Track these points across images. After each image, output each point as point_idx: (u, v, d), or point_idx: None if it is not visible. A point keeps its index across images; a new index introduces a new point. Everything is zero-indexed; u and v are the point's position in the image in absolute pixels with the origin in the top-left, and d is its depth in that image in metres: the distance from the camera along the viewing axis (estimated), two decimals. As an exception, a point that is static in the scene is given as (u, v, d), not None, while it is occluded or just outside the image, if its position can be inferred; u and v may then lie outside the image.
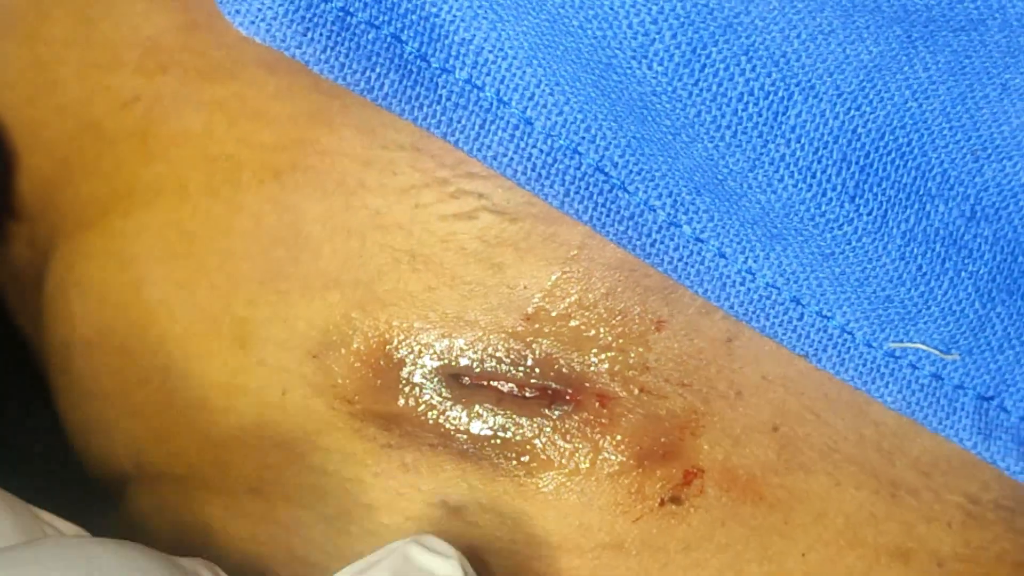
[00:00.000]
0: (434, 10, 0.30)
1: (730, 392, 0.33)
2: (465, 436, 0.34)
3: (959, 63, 0.28)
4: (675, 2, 0.28)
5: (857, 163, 0.29)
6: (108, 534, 0.37)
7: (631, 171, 0.30)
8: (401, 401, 0.34)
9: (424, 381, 0.34)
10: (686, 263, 0.30)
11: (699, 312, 0.33)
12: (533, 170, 0.31)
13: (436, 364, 0.34)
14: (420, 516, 0.34)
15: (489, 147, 0.31)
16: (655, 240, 0.30)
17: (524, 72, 0.30)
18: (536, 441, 0.33)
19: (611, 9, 0.29)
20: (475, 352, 0.34)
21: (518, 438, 0.33)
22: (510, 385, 0.33)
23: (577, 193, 0.30)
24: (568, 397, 0.33)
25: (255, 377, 0.35)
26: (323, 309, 0.34)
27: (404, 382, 0.34)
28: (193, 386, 0.36)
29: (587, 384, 0.33)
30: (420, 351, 0.34)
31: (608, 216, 0.30)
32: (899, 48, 0.28)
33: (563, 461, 0.33)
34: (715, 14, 0.28)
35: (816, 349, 0.30)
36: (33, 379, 0.33)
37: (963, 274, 0.30)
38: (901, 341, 0.30)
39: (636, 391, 0.33)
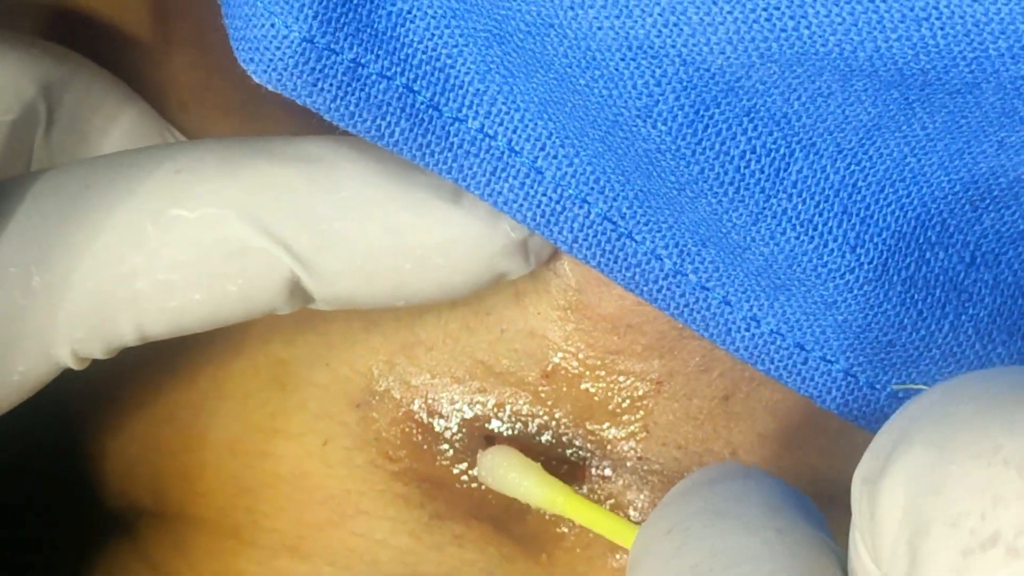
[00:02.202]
0: (449, 62, 0.32)
1: (725, 452, 0.35)
2: (497, 506, 0.36)
3: (956, 122, 0.30)
4: (677, 66, 0.30)
5: (858, 215, 0.31)
6: (120, 565, 0.39)
7: (638, 221, 0.32)
8: (441, 462, 0.36)
9: (462, 440, 0.36)
10: (692, 309, 0.32)
11: (698, 370, 0.35)
12: (543, 216, 0.33)
13: (472, 423, 0.36)
14: None
15: (500, 193, 0.33)
16: (662, 287, 0.32)
17: (536, 124, 0.32)
18: (550, 520, 0.35)
19: (616, 71, 0.30)
20: (507, 413, 0.36)
21: (542, 514, 0.35)
22: (540, 458, 0.35)
23: (585, 240, 0.32)
24: (578, 472, 0.35)
25: (296, 422, 0.37)
26: (365, 353, 0.36)
27: (443, 440, 0.36)
28: (225, 425, 0.38)
29: (595, 455, 0.35)
30: (458, 407, 0.36)
31: (616, 263, 0.32)
32: (897, 109, 0.30)
33: (572, 538, 0.35)
34: (716, 78, 0.30)
35: (820, 392, 0.32)
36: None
37: (963, 317, 0.32)
38: (904, 383, 0.32)
39: (636, 458, 0.35)
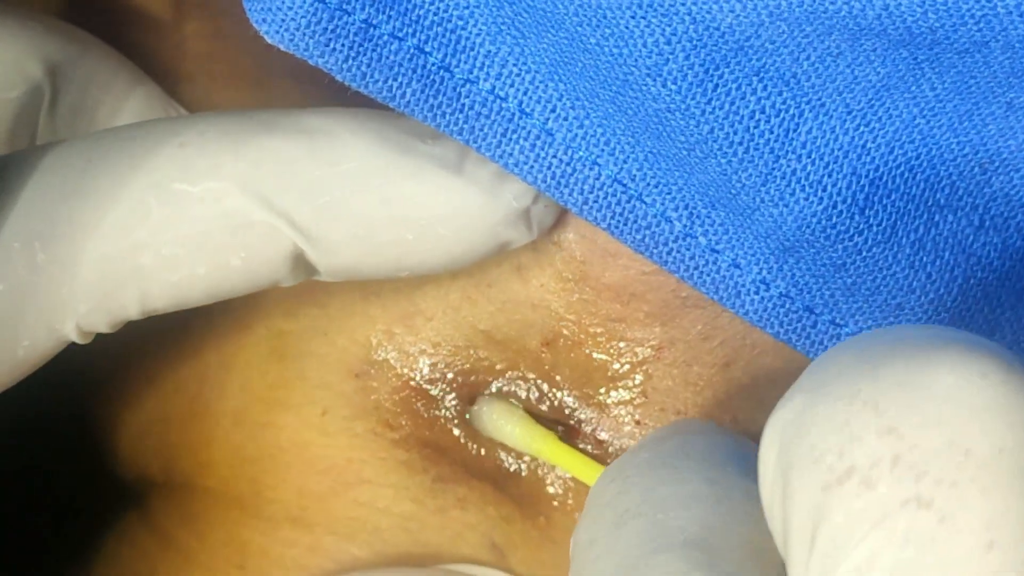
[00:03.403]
0: (460, 23, 0.33)
1: (724, 418, 0.35)
2: (492, 466, 0.37)
3: (964, 83, 0.30)
4: (687, 24, 0.31)
5: (867, 176, 0.32)
6: (130, 536, 0.40)
7: (648, 183, 0.33)
8: (443, 427, 0.37)
9: (462, 406, 0.37)
10: (702, 272, 0.33)
11: (699, 338, 0.35)
12: (553, 178, 0.33)
13: (472, 389, 0.37)
14: (478, 558, 0.37)
15: (511, 155, 0.33)
16: (671, 249, 0.33)
17: (546, 85, 0.33)
18: (548, 482, 0.36)
19: (626, 28, 0.31)
20: (506, 377, 0.36)
21: (540, 476, 0.36)
22: (538, 422, 0.36)
23: (596, 202, 0.33)
24: (576, 435, 0.36)
25: (295, 392, 0.37)
26: (364, 323, 0.37)
27: (443, 407, 0.37)
28: (230, 396, 0.38)
29: (593, 419, 0.36)
30: (458, 373, 0.37)
31: (626, 225, 0.33)
32: (906, 69, 0.30)
33: (571, 502, 0.36)
34: (726, 37, 0.30)
35: None
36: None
37: (972, 281, 0.32)
38: None
39: (634, 423, 0.36)
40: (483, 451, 0.37)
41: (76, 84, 0.37)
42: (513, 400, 0.37)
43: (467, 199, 0.33)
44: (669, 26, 0.31)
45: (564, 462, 0.35)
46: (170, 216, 0.32)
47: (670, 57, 0.31)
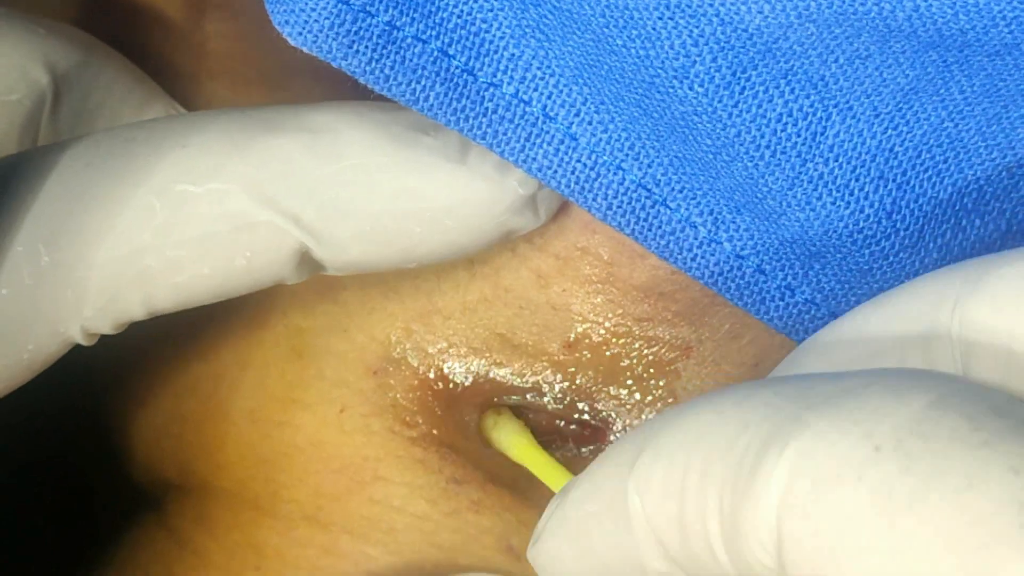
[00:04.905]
0: (484, 26, 0.33)
1: None
2: (514, 471, 0.37)
3: (994, 86, 0.31)
4: (715, 26, 0.31)
5: (894, 180, 0.32)
6: (147, 538, 0.40)
7: (673, 188, 0.33)
8: (459, 429, 0.37)
9: (480, 408, 0.37)
10: (726, 278, 0.33)
11: (728, 336, 0.35)
12: (577, 183, 0.33)
13: (489, 392, 0.37)
14: (492, 561, 0.37)
15: (534, 159, 0.33)
16: (696, 255, 0.33)
17: (571, 89, 0.33)
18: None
19: (653, 30, 0.31)
20: (525, 380, 0.36)
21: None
22: (558, 421, 0.36)
23: (620, 207, 0.33)
24: (600, 435, 0.36)
25: (313, 391, 0.38)
26: (383, 320, 0.37)
27: (460, 408, 0.37)
28: (246, 395, 0.39)
29: (619, 419, 0.36)
30: (476, 376, 0.37)
31: (650, 230, 0.33)
32: (935, 72, 0.31)
33: None
34: (754, 39, 0.31)
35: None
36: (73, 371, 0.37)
37: None
38: None
39: None
40: (501, 457, 0.37)
41: (81, 89, 0.38)
42: (534, 403, 0.37)
43: (472, 189, 0.33)
44: (696, 28, 0.31)
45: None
46: (174, 218, 0.32)
47: (697, 59, 0.31)
